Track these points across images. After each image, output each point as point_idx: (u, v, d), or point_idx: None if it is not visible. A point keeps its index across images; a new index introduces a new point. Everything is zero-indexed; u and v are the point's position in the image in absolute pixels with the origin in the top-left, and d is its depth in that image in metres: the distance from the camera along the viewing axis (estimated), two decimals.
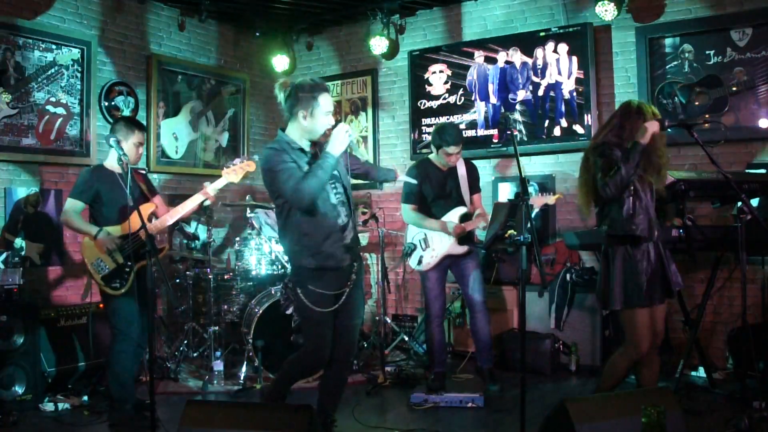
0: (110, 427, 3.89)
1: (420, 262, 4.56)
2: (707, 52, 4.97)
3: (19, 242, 4.79)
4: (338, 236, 3.21)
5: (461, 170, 4.56)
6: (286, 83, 3.27)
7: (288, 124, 3.30)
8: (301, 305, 3.19)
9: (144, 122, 5.57)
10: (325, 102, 3.21)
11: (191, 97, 6.18)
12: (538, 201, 4.43)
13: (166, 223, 4.04)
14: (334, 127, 3.22)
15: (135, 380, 4.27)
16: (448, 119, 6.06)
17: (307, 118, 3.21)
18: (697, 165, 4.96)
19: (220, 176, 4.09)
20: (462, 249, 4.47)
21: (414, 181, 4.25)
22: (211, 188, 4.08)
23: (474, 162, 4.88)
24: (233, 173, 4.09)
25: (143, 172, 4.31)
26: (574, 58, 5.44)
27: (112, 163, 3.98)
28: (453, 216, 4.50)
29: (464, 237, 4.47)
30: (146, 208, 3.99)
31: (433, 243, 4.52)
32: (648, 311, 3.21)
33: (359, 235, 5.94)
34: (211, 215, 5.16)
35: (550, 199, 4.52)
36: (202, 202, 4.11)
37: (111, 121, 5.40)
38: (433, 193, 4.54)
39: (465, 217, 4.51)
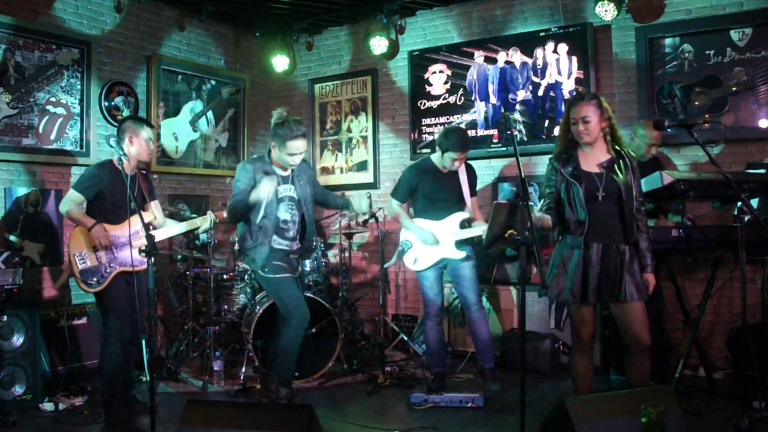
0: (107, 426, 3.90)
1: (416, 261, 4.55)
2: (707, 52, 4.97)
3: (15, 239, 4.79)
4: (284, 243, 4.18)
5: (462, 172, 4.55)
6: (281, 116, 4.09)
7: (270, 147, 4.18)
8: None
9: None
10: (292, 146, 4.02)
11: (191, 97, 6.18)
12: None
13: (161, 237, 4.16)
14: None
15: (134, 380, 4.28)
16: (448, 119, 6.07)
17: (275, 150, 4.11)
18: (697, 165, 4.96)
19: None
20: (460, 254, 4.46)
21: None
22: (212, 215, 4.34)
23: (474, 162, 4.88)
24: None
25: (144, 172, 4.32)
26: (574, 58, 5.45)
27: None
28: (453, 221, 4.49)
29: (462, 241, 4.47)
30: (145, 217, 3.98)
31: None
32: (578, 306, 3.32)
33: (360, 234, 6.01)
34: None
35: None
36: (198, 228, 4.31)
37: (111, 121, 5.40)
38: (432, 194, 4.52)
39: (465, 223, 4.50)
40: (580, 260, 3.26)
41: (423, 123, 6.21)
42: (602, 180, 3.27)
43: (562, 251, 3.35)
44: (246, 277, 5.28)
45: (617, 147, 3.35)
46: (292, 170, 4.21)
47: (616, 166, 3.30)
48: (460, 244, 4.46)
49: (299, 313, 4.11)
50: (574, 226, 3.30)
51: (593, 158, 3.34)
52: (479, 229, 4.40)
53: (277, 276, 4.11)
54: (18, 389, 4.12)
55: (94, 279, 3.88)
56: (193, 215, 4.97)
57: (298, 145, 4.05)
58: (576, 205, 3.28)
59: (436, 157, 4.54)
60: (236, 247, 5.45)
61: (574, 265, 3.27)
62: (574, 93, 3.29)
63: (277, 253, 4.15)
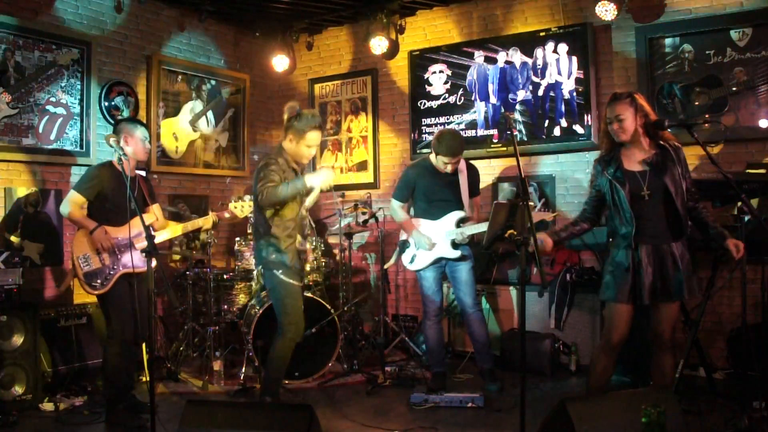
0: (107, 426, 3.90)
1: (413, 260, 4.56)
2: (707, 52, 4.97)
3: (15, 239, 4.79)
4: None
5: (462, 173, 4.55)
6: (294, 108, 3.90)
7: (284, 141, 3.96)
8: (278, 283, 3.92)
9: (144, 122, 5.57)
10: (311, 137, 3.87)
11: (191, 97, 6.18)
12: (535, 216, 4.40)
13: (162, 238, 4.17)
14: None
15: (134, 380, 4.28)
16: (448, 119, 6.07)
17: (292, 144, 3.90)
18: (697, 165, 4.96)
19: (226, 207, 4.37)
20: (455, 253, 4.46)
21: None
22: (214, 216, 4.32)
23: (474, 162, 4.88)
24: (239, 209, 4.32)
25: (144, 175, 4.34)
26: (574, 58, 5.45)
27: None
28: (449, 220, 4.49)
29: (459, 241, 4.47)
30: (146, 218, 4.00)
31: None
32: (620, 307, 3.28)
33: (360, 234, 6.01)
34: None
35: (548, 216, 4.52)
36: (200, 228, 4.30)
37: (111, 121, 5.41)
38: (430, 195, 4.52)
39: (461, 222, 4.50)
40: (629, 262, 3.25)
41: (423, 123, 6.21)
42: (646, 178, 3.25)
43: (614, 254, 3.34)
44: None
45: (661, 142, 3.31)
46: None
47: (659, 161, 3.26)
48: (457, 243, 4.46)
49: (298, 327, 3.97)
50: (621, 227, 3.29)
51: (635, 157, 3.31)
52: (473, 228, 4.41)
53: (292, 282, 3.92)
54: (18, 389, 4.12)
55: (98, 281, 3.89)
56: (194, 215, 4.98)
57: (316, 136, 3.91)
58: (621, 206, 3.27)
59: (433, 158, 4.55)
60: (236, 247, 5.45)
61: (624, 266, 3.26)
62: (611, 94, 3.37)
63: (296, 256, 3.99)
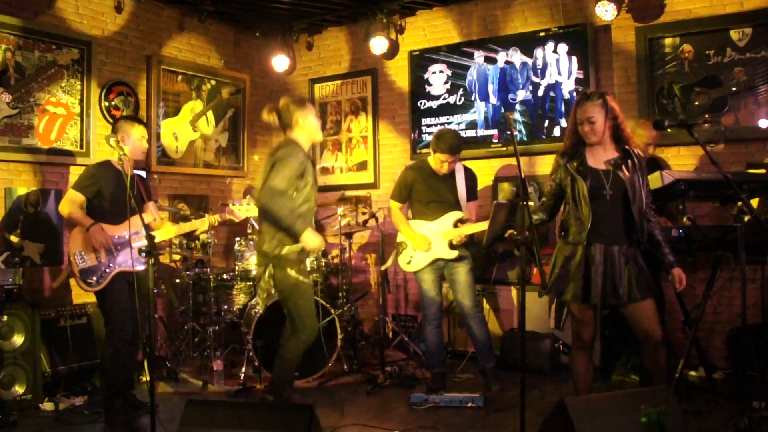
0: (107, 426, 3.90)
1: (410, 262, 4.55)
2: (707, 52, 4.97)
3: (15, 239, 4.79)
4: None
5: (459, 175, 4.54)
6: (271, 107, 3.91)
7: (293, 133, 3.88)
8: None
9: (143, 121, 5.57)
10: (312, 107, 3.96)
11: (191, 97, 6.18)
12: None
13: (160, 238, 4.18)
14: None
15: (134, 380, 4.28)
16: (448, 119, 6.07)
17: (304, 126, 3.86)
18: (697, 165, 4.96)
19: (226, 208, 4.39)
20: (452, 254, 4.45)
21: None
22: (212, 218, 4.34)
23: (474, 162, 4.87)
24: (238, 211, 4.36)
25: (143, 174, 4.35)
26: (574, 58, 5.45)
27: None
28: (447, 221, 4.48)
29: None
30: (145, 217, 4.02)
31: None
32: (580, 305, 3.30)
33: (360, 233, 6.01)
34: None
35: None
36: (196, 230, 4.32)
37: (111, 121, 5.41)
38: (428, 196, 4.51)
39: (458, 223, 4.49)
40: (582, 260, 3.23)
41: (423, 123, 6.21)
42: (609, 178, 3.22)
43: (565, 250, 3.31)
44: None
45: (626, 146, 3.29)
46: None
47: (623, 164, 3.24)
48: (454, 244, 4.45)
49: (312, 328, 3.87)
50: (576, 224, 3.25)
51: (601, 155, 3.28)
52: (471, 228, 4.40)
53: (305, 281, 3.83)
54: (18, 389, 4.12)
55: (94, 278, 3.90)
56: (192, 216, 4.97)
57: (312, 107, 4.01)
58: (580, 201, 3.23)
59: (431, 159, 4.54)
60: (236, 247, 5.45)
61: (577, 264, 3.24)
62: (580, 92, 3.28)
63: (304, 253, 3.87)
